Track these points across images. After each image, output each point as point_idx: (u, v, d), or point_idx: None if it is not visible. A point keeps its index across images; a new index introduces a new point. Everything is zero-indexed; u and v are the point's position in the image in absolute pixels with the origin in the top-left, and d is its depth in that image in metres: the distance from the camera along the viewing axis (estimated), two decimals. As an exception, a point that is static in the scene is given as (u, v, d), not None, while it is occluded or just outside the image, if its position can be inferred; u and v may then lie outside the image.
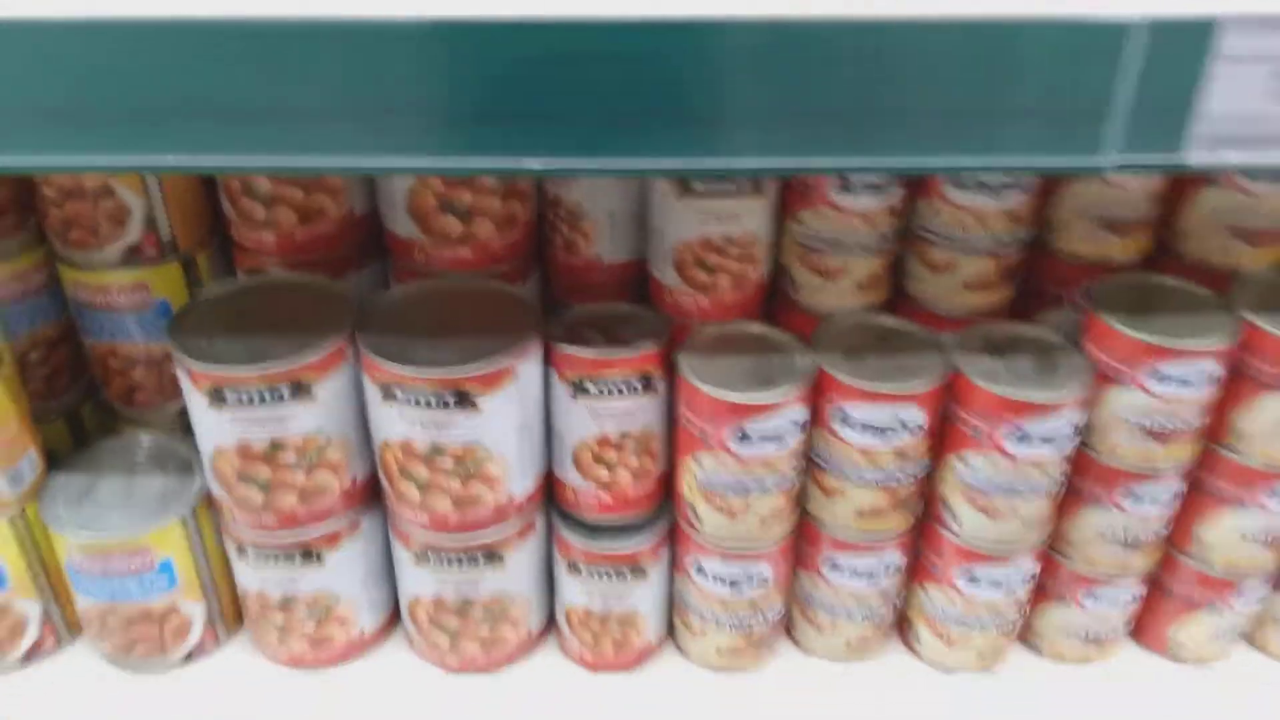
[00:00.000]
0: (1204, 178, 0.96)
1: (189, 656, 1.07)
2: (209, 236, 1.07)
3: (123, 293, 1.03)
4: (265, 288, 1.00)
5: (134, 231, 1.00)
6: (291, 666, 1.06)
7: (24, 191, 1.02)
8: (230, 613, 1.08)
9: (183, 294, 1.05)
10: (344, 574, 1.01)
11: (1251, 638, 1.10)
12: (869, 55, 0.67)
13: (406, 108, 0.67)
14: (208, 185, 1.05)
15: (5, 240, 1.02)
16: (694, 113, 0.69)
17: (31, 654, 1.06)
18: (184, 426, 1.11)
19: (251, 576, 1.01)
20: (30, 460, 1.01)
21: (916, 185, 0.96)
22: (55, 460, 1.05)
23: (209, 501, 1.01)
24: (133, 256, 1.02)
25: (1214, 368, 0.90)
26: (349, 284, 1.03)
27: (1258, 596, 1.04)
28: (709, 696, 1.04)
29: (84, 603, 1.02)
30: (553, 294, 1.06)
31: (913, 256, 1.00)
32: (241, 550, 1.00)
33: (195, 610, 1.04)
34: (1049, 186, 0.98)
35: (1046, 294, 1.04)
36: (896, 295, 1.03)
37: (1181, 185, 0.98)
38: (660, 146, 0.71)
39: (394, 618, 1.10)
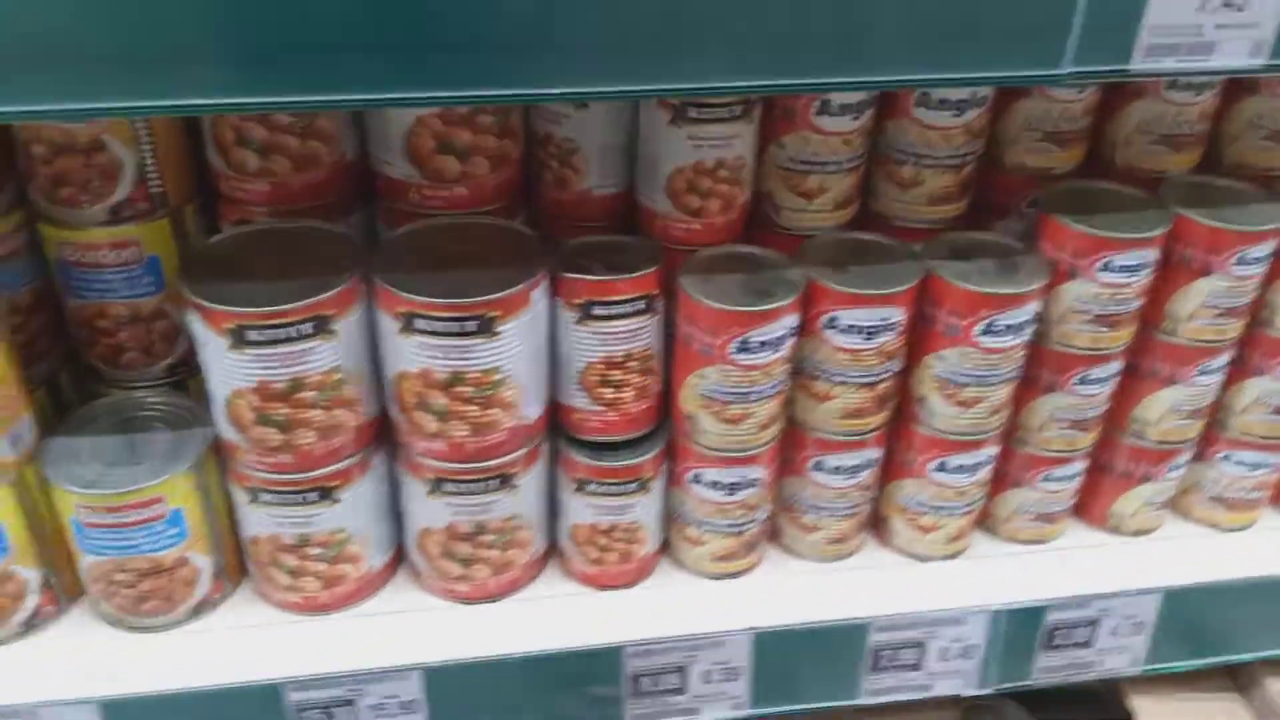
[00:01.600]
0: (1133, 91, 1.08)
1: (196, 611, 1.07)
2: (194, 190, 1.07)
3: (113, 250, 1.02)
4: (264, 234, 1.01)
5: (125, 186, 1.00)
6: (301, 612, 1.08)
7: (3, 151, 1.00)
8: (234, 564, 1.10)
9: (171, 249, 1.05)
10: (357, 511, 1.04)
11: (1175, 505, 1.24)
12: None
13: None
14: (192, 138, 1.05)
15: (-11, 200, 1.00)
16: (687, 39, 0.75)
17: (32, 621, 1.05)
18: (172, 384, 1.12)
19: (265, 521, 1.02)
20: (27, 423, 1.00)
21: (886, 107, 1.05)
22: (45, 424, 1.04)
23: (215, 451, 1.02)
24: (123, 212, 1.01)
25: (1154, 256, 1.01)
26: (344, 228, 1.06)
27: (1184, 466, 1.18)
28: (711, 600, 1.11)
29: (90, 561, 1.02)
30: (542, 229, 1.11)
31: (880, 175, 1.09)
32: (254, 494, 1.01)
33: (204, 562, 1.05)
34: (999, 104, 1.08)
35: (995, 205, 1.14)
36: (863, 213, 1.11)
37: (1113, 99, 1.10)
38: (661, 73, 0.77)
39: (398, 555, 1.13)
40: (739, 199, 1.05)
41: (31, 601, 1.04)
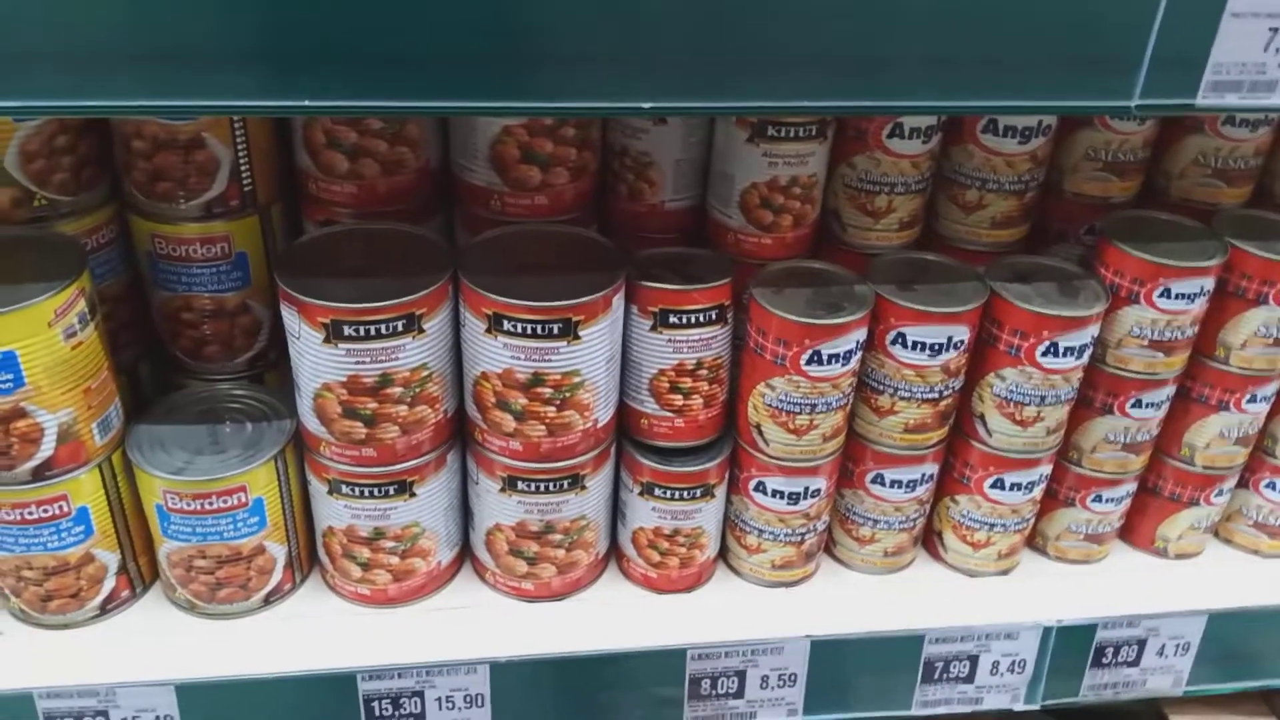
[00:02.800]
0: (1190, 126, 1.12)
1: (268, 600, 1.10)
2: (281, 190, 1.10)
3: (203, 244, 1.06)
4: (353, 234, 1.05)
5: (220, 183, 1.04)
6: (369, 604, 1.11)
7: (103, 143, 1.04)
8: (306, 554, 1.13)
9: (259, 246, 1.09)
10: (432, 506, 1.07)
11: (1218, 530, 1.27)
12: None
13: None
14: (282, 137, 1.09)
15: (87, 193, 1.03)
16: (772, 60, 0.79)
17: (108, 605, 1.08)
18: (250, 377, 1.16)
19: (341, 513, 1.05)
20: (116, 409, 1.03)
21: (953, 132, 1.09)
22: (127, 413, 1.07)
23: (296, 442, 1.05)
24: (215, 208, 1.05)
25: (1210, 284, 1.05)
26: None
27: (1229, 491, 1.21)
28: (769, 607, 1.14)
29: (170, 547, 1.04)
30: (614, 239, 1.14)
31: (944, 198, 1.13)
32: (334, 486, 1.04)
33: (279, 552, 1.08)
34: (1061, 133, 1.11)
35: (1052, 231, 1.18)
36: (925, 234, 1.15)
37: (1170, 132, 1.14)
38: (749, 92, 0.81)
39: (464, 552, 1.16)
40: (810, 216, 1.08)
41: (109, 585, 1.07)
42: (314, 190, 1.08)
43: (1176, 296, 1.04)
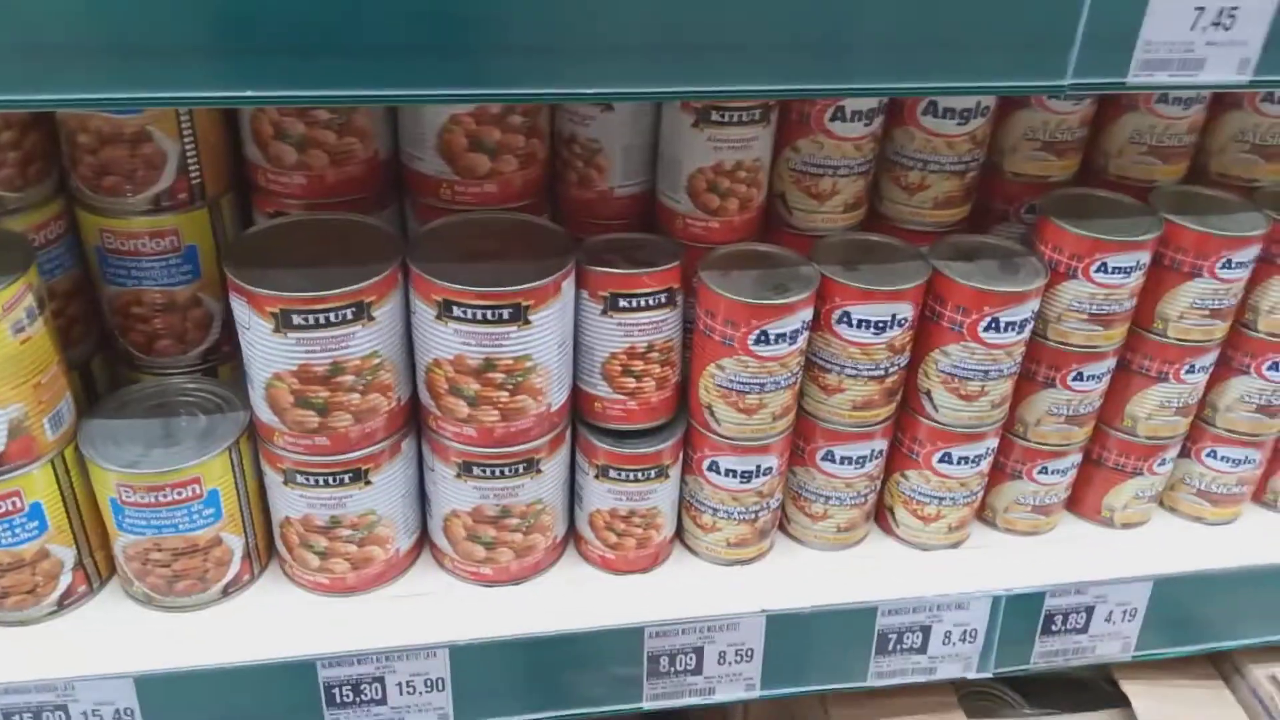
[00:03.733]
0: (1125, 105, 1.15)
1: (226, 591, 1.10)
2: (230, 182, 1.11)
3: (152, 238, 1.06)
4: (302, 225, 1.06)
5: (167, 177, 1.04)
6: (328, 593, 1.11)
7: (49, 138, 1.04)
8: (263, 546, 1.13)
9: (208, 239, 1.09)
10: (388, 494, 1.08)
11: (1163, 499, 1.30)
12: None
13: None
14: (230, 130, 1.09)
15: (34, 188, 1.03)
16: (715, 45, 0.80)
17: (64, 600, 1.08)
18: (203, 370, 1.16)
19: (297, 502, 1.06)
20: (68, 404, 1.03)
21: (894, 115, 1.11)
22: (80, 408, 1.07)
23: (250, 433, 1.06)
24: (163, 202, 1.05)
25: (1145, 258, 1.08)
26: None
27: (1171, 461, 1.24)
28: (725, 585, 1.15)
29: (127, 540, 1.05)
30: (564, 226, 1.15)
31: (887, 179, 1.15)
32: (288, 476, 1.04)
33: (235, 543, 1.08)
34: (1000, 114, 1.14)
35: (994, 210, 1.20)
36: (869, 216, 1.17)
37: (1106, 111, 1.16)
38: (693, 76, 0.82)
39: (422, 538, 1.17)
40: (756, 200, 1.10)
41: (65, 581, 1.07)
42: (263, 182, 1.09)
43: (1113, 270, 1.07)
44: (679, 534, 1.20)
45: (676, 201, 1.10)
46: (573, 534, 1.19)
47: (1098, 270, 1.07)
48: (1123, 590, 1.18)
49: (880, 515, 1.24)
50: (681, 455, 1.14)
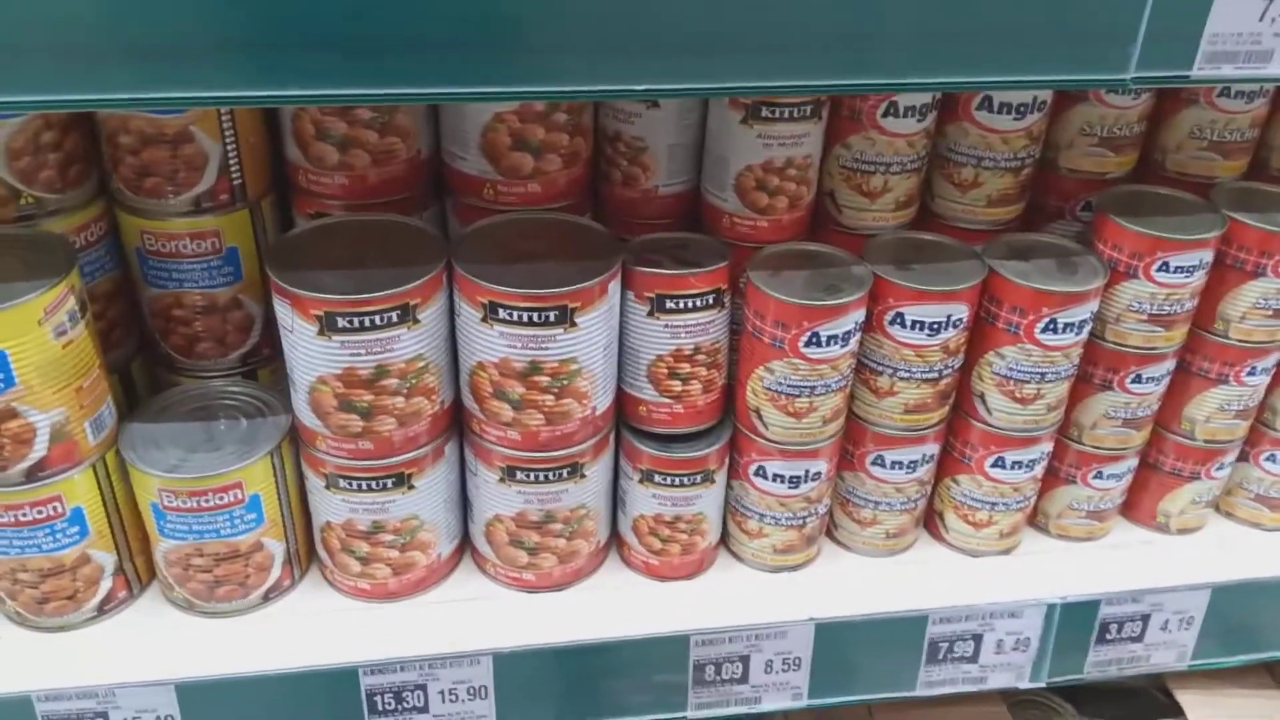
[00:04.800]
0: (1185, 99, 1.11)
1: (267, 596, 1.09)
2: (271, 183, 1.09)
3: (193, 240, 1.05)
4: (345, 226, 1.04)
5: (209, 178, 1.02)
6: (369, 599, 1.10)
7: (89, 140, 1.03)
8: (304, 550, 1.12)
9: (249, 241, 1.08)
10: (430, 498, 1.06)
11: (1220, 504, 1.26)
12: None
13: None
14: (271, 131, 1.07)
15: (74, 190, 1.02)
16: (766, 40, 0.78)
17: (105, 605, 1.07)
18: (243, 373, 1.15)
19: (340, 507, 1.04)
20: (109, 407, 1.02)
21: (947, 110, 1.08)
22: (120, 412, 1.06)
23: (291, 437, 1.04)
24: (204, 203, 1.04)
25: (1208, 257, 1.05)
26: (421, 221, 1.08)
27: (1229, 465, 1.21)
28: (771, 592, 1.13)
29: (167, 546, 1.03)
30: (607, 225, 1.13)
31: (939, 177, 1.12)
32: (331, 481, 1.03)
33: (276, 548, 1.07)
34: (1056, 109, 1.11)
35: (1048, 208, 1.17)
36: (920, 214, 1.14)
37: (1165, 106, 1.13)
38: (744, 71, 0.80)
39: (463, 543, 1.15)
40: (805, 198, 1.08)
41: (105, 586, 1.06)
42: (304, 183, 1.07)
43: (1175, 270, 1.04)
44: (723, 540, 1.18)
45: (723, 200, 1.08)
46: (615, 539, 1.18)
47: (1159, 270, 1.04)
48: (1180, 598, 1.15)
49: (929, 520, 1.21)
50: (727, 460, 1.12)
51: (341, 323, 0.93)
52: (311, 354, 0.95)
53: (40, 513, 0.98)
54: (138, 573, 1.08)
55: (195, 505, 1.00)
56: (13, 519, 0.98)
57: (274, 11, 0.70)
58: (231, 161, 1.03)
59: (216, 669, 1.02)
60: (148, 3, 0.69)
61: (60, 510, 0.99)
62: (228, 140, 1.02)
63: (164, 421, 1.06)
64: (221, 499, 1.00)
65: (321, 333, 0.93)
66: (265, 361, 1.15)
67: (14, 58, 0.69)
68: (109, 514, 1.03)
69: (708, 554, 1.15)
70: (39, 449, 0.96)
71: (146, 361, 1.16)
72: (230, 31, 0.71)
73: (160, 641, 1.05)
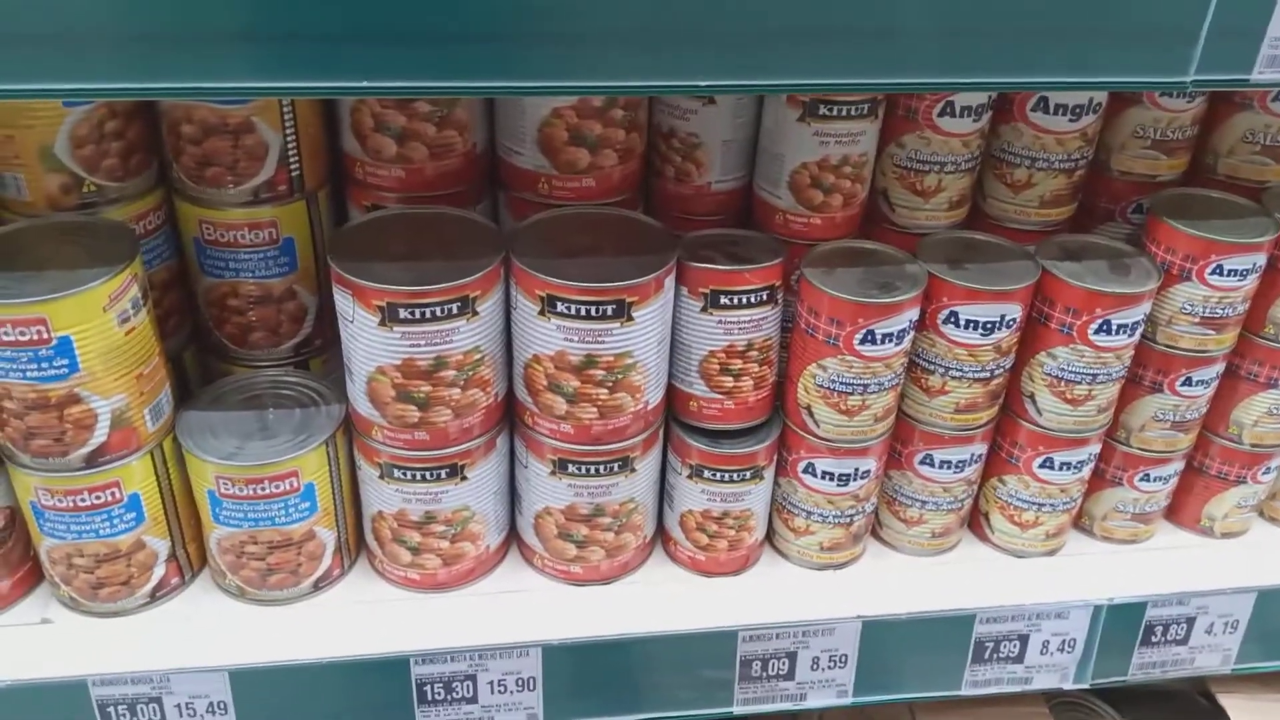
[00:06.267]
0: (1239, 103, 1.11)
1: (317, 585, 1.10)
2: (327, 175, 1.10)
3: (251, 230, 1.06)
4: (404, 218, 1.04)
5: (269, 169, 1.03)
6: (418, 589, 1.11)
7: (150, 129, 1.04)
8: (354, 540, 1.12)
9: (306, 232, 1.08)
10: (482, 490, 1.07)
11: (1263, 510, 1.26)
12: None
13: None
14: (328, 122, 1.08)
15: (135, 179, 1.03)
16: (827, 37, 0.78)
17: (157, 592, 1.07)
18: (295, 363, 1.15)
19: (392, 497, 1.05)
20: (167, 395, 1.03)
21: (1002, 110, 1.08)
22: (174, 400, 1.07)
23: (345, 427, 1.05)
24: (263, 194, 1.05)
25: (1261, 260, 1.05)
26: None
27: (1276, 469, 1.21)
28: (818, 589, 1.14)
29: (221, 533, 1.04)
30: (661, 221, 1.14)
31: (992, 177, 1.13)
32: (385, 470, 1.04)
33: (328, 537, 1.08)
34: (1109, 111, 1.11)
35: (1098, 209, 1.17)
36: (971, 214, 1.14)
37: (1218, 109, 1.13)
38: (805, 69, 0.80)
39: (510, 535, 1.16)
40: (859, 196, 1.08)
41: (159, 572, 1.07)
42: (360, 175, 1.08)
43: (1229, 273, 1.04)
44: (769, 537, 1.18)
45: (777, 197, 1.08)
46: (661, 534, 1.18)
47: (1213, 273, 1.04)
48: (1225, 602, 1.15)
49: (974, 521, 1.21)
50: (776, 457, 1.12)
51: (403, 314, 0.93)
52: (372, 344, 0.96)
53: (99, 498, 0.99)
54: (190, 560, 1.09)
55: (251, 493, 1.01)
56: (71, 504, 0.99)
57: (341, 4, 0.71)
58: (291, 153, 1.04)
59: (269, 656, 1.02)
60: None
61: (118, 496, 1.00)
62: (288, 131, 1.03)
63: (219, 410, 1.07)
64: (277, 487, 1.01)
65: (383, 323, 0.94)
66: (317, 351, 1.16)
67: (79, 45, 0.70)
68: (164, 500, 1.04)
69: (753, 550, 1.16)
70: (99, 435, 0.96)
71: (199, 350, 1.17)
72: (298, 21, 0.71)
73: (212, 628, 1.06)
